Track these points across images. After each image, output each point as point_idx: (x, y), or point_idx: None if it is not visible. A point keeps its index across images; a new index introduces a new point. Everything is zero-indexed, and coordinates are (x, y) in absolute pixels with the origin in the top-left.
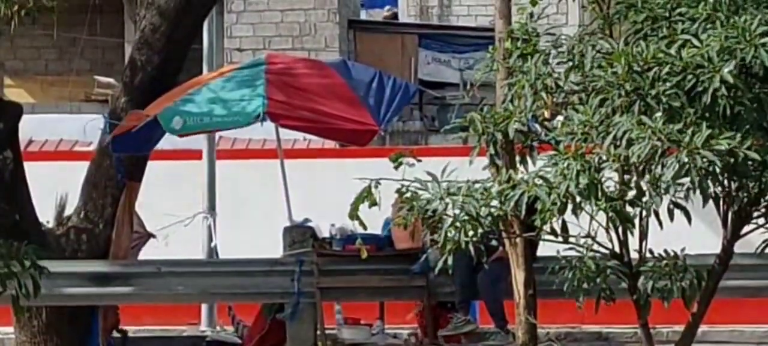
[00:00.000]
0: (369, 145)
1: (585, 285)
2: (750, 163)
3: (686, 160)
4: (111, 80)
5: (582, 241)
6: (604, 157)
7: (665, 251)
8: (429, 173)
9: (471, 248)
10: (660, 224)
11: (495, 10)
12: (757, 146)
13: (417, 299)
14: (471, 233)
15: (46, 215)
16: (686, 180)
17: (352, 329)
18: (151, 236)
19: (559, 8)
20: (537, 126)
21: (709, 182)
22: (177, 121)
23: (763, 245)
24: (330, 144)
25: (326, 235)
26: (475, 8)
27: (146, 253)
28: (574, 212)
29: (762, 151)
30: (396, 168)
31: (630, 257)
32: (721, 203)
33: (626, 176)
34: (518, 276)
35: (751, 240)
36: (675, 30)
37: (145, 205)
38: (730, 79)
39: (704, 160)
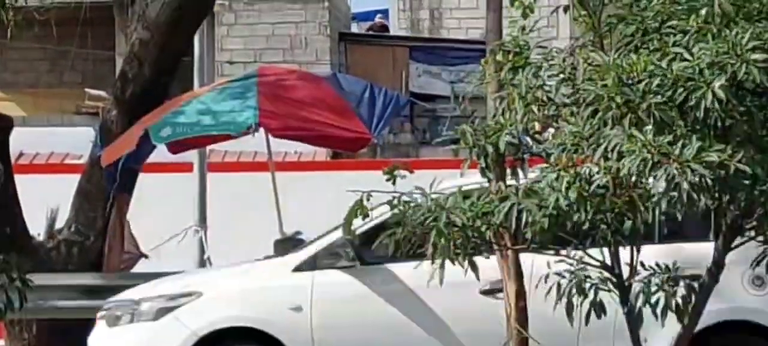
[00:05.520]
0: (360, 157)
1: (575, 298)
2: (741, 175)
3: (676, 173)
4: (102, 93)
5: (572, 253)
6: (596, 170)
7: (657, 264)
8: (418, 187)
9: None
10: (652, 236)
11: (486, 24)
12: (747, 159)
13: None
14: (461, 244)
15: (36, 228)
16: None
17: None
18: (143, 255)
19: (550, 21)
20: (528, 139)
21: (700, 195)
22: (166, 131)
23: (757, 259)
24: (321, 155)
25: None
26: (466, 21)
27: (138, 265)
28: (565, 225)
29: (753, 164)
30: (393, 182)
31: (621, 269)
32: (712, 215)
33: (618, 189)
34: (510, 288)
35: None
36: (666, 43)
37: (135, 217)
38: (722, 95)
39: (695, 174)
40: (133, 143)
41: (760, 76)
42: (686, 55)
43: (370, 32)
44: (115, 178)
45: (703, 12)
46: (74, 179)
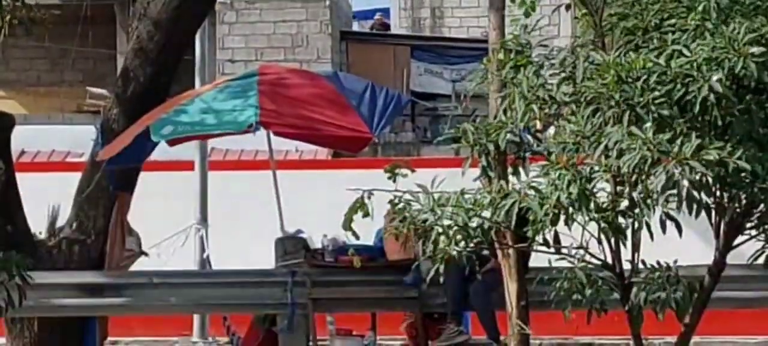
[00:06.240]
0: (361, 156)
1: (576, 296)
2: (742, 173)
3: (675, 171)
4: (103, 91)
5: (574, 252)
6: (596, 168)
7: (658, 262)
8: (419, 185)
9: (463, 258)
10: (651, 235)
11: (488, 22)
12: (747, 156)
13: (409, 310)
14: (462, 243)
15: (38, 227)
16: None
17: (345, 341)
18: (142, 254)
19: (551, 20)
20: (529, 137)
21: (700, 193)
22: (167, 129)
23: (755, 255)
24: (322, 154)
25: (318, 246)
26: (467, 20)
27: (139, 264)
28: (566, 223)
29: (752, 162)
30: (393, 180)
31: (622, 268)
32: (713, 213)
33: (619, 187)
34: (511, 287)
35: (743, 251)
36: (665, 40)
37: (136, 216)
38: (719, 88)
39: (695, 172)
40: (130, 139)
41: (758, 70)
42: (685, 52)
43: (373, 31)
44: (112, 173)
45: (700, 8)
46: (75, 178)
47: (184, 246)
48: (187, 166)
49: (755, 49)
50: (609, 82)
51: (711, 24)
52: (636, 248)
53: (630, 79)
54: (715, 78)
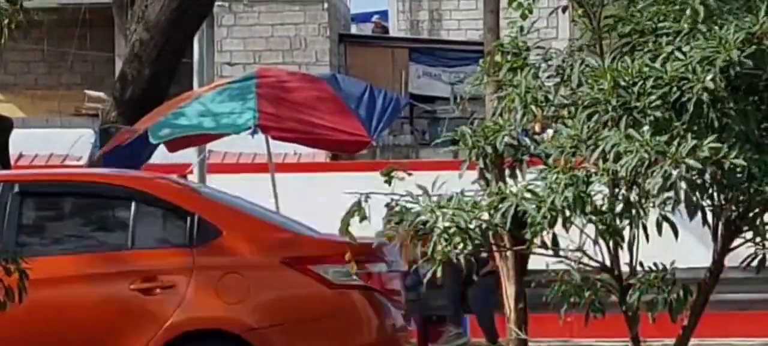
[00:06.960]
0: (360, 159)
1: (573, 298)
2: (739, 175)
3: (673, 171)
4: (101, 94)
5: (571, 254)
6: (593, 171)
7: (654, 263)
8: (419, 186)
9: (461, 260)
10: (647, 237)
11: (483, 24)
12: (745, 158)
13: (408, 313)
14: (461, 245)
15: None
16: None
17: None
18: None
19: (549, 22)
20: (527, 140)
21: (696, 194)
22: (165, 131)
23: (748, 259)
24: (320, 157)
25: None
26: (466, 22)
27: None
28: (564, 226)
29: (749, 161)
30: (389, 183)
31: (620, 270)
32: (710, 216)
33: (616, 190)
34: (509, 290)
35: (740, 254)
36: (660, 44)
37: None
38: (712, 86)
39: (691, 172)
40: (125, 139)
41: (739, 56)
42: (679, 55)
43: (373, 33)
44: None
45: (688, 11)
46: None
47: None
48: (186, 168)
49: (740, 39)
50: (606, 88)
51: (703, 26)
52: (633, 249)
53: (626, 84)
54: (708, 77)
